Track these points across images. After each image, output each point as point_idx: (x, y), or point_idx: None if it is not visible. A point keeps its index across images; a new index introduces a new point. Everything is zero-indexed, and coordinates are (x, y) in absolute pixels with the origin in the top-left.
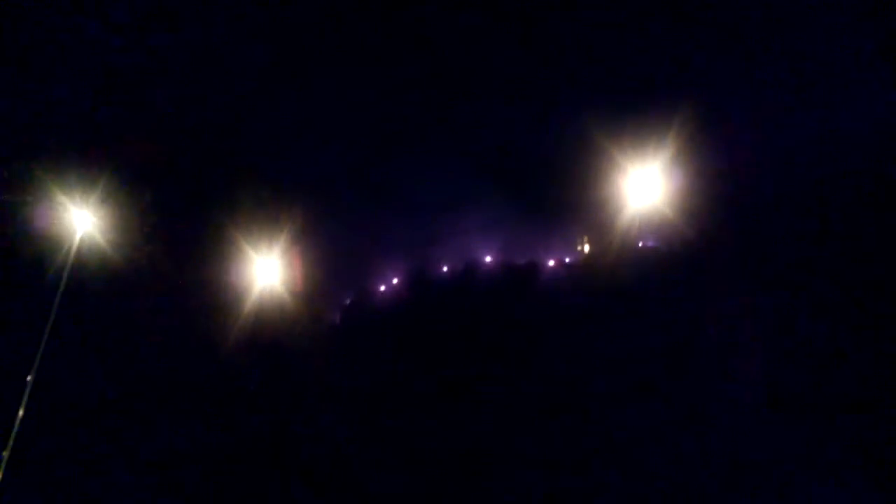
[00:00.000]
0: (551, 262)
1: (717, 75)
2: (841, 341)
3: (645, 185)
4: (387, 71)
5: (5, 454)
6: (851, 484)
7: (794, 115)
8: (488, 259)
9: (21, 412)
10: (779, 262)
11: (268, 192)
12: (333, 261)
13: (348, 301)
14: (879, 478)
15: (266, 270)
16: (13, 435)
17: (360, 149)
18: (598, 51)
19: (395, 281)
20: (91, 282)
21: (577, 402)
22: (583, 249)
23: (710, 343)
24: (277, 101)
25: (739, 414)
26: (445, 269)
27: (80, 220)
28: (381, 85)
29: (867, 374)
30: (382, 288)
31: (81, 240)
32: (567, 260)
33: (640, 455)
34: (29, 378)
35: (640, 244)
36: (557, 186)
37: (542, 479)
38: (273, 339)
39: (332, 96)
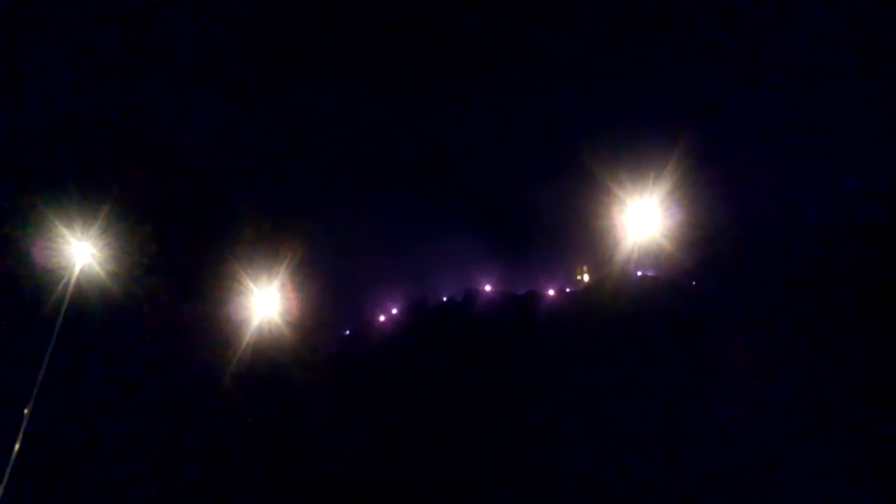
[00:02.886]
0: (551, 292)
1: (715, 110)
2: (834, 368)
3: (643, 217)
4: (386, 102)
5: None
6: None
7: (794, 148)
8: (488, 289)
9: (17, 446)
10: (774, 288)
11: (267, 224)
12: (332, 292)
13: (347, 332)
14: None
15: (265, 302)
16: (9, 466)
17: (362, 180)
18: (599, 87)
19: (394, 311)
20: (90, 313)
21: (578, 428)
22: (582, 279)
23: (709, 368)
24: (278, 135)
25: (740, 434)
26: (445, 299)
27: (80, 252)
28: (383, 118)
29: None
30: (382, 318)
31: (81, 271)
32: (567, 290)
33: (642, 476)
34: (26, 410)
35: (639, 274)
36: (558, 219)
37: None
38: (272, 369)
39: (332, 130)
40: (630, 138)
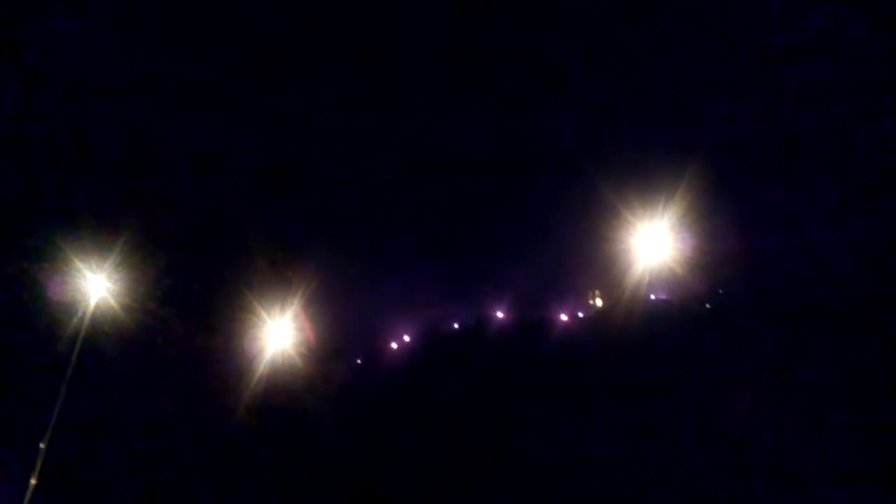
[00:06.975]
0: (564, 317)
1: (726, 134)
2: (844, 387)
3: (655, 242)
4: (399, 128)
5: None
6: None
7: (807, 173)
8: (500, 315)
9: (34, 481)
10: (784, 313)
11: (280, 255)
12: (346, 321)
13: (359, 361)
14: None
15: (279, 333)
16: (26, 502)
17: (374, 208)
18: (611, 112)
19: (406, 339)
20: (105, 347)
21: (590, 456)
22: (595, 303)
23: (720, 391)
24: (291, 165)
25: (754, 459)
26: (456, 325)
27: (95, 286)
28: (394, 146)
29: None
30: (394, 346)
31: (96, 306)
32: (580, 314)
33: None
34: (42, 445)
35: (652, 297)
36: (569, 243)
37: None
38: (286, 402)
39: (343, 157)
40: (641, 161)
